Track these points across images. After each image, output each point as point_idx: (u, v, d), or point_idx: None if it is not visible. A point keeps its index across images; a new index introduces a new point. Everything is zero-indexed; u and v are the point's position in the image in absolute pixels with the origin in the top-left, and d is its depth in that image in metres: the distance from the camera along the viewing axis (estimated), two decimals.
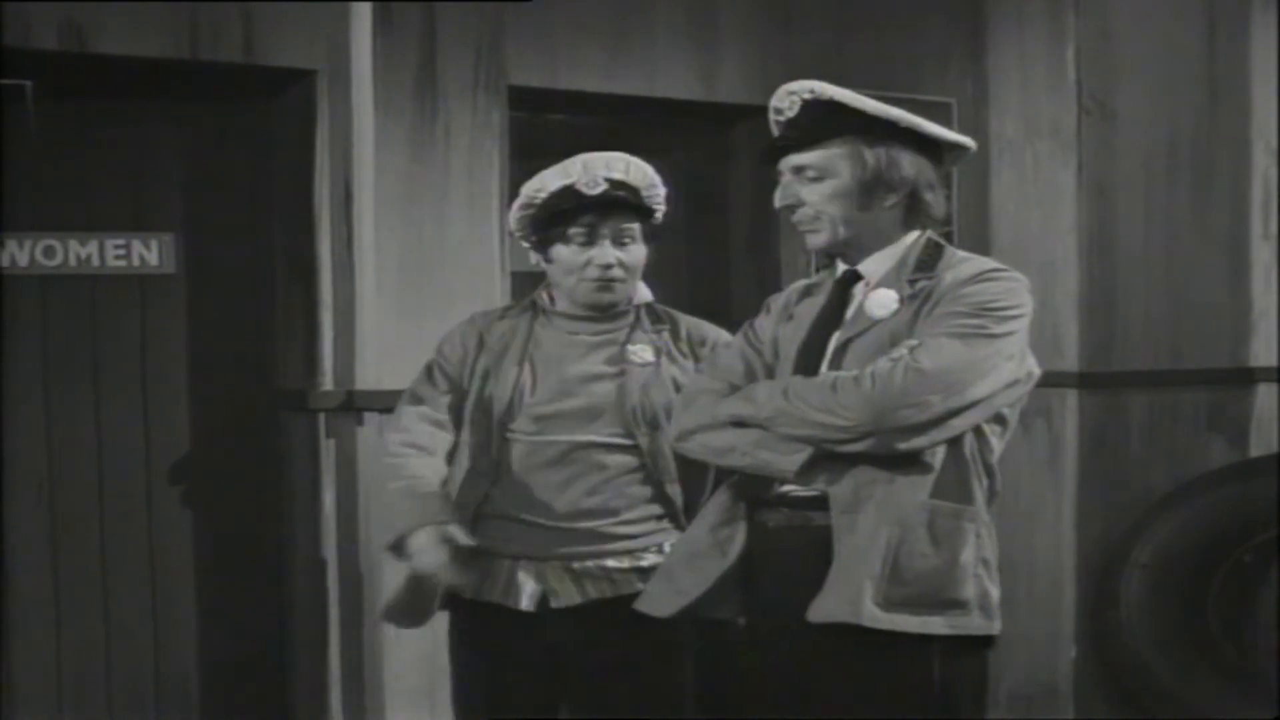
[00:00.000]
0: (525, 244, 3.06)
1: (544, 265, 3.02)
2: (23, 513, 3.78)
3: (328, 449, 3.83)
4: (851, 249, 2.66)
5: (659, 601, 2.72)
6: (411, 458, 2.95)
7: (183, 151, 3.93)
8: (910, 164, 2.61)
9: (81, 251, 3.84)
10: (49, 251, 3.81)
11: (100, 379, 3.87)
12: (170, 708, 3.96)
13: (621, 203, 2.94)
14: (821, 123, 2.60)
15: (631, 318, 3.02)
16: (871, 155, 2.59)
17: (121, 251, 3.87)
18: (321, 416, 3.85)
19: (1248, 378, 4.91)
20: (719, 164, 4.58)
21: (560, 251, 2.95)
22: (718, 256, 4.63)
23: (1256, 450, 4.87)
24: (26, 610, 3.80)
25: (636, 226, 2.97)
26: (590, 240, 2.93)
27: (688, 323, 3.08)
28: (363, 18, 3.81)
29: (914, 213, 2.64)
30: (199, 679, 3.98)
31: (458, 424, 3.00)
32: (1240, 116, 4.91)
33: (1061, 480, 4.77)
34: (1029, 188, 4.84)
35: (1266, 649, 4.28)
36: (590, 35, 4.20)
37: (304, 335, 3.92)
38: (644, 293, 3.06)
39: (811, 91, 2.62)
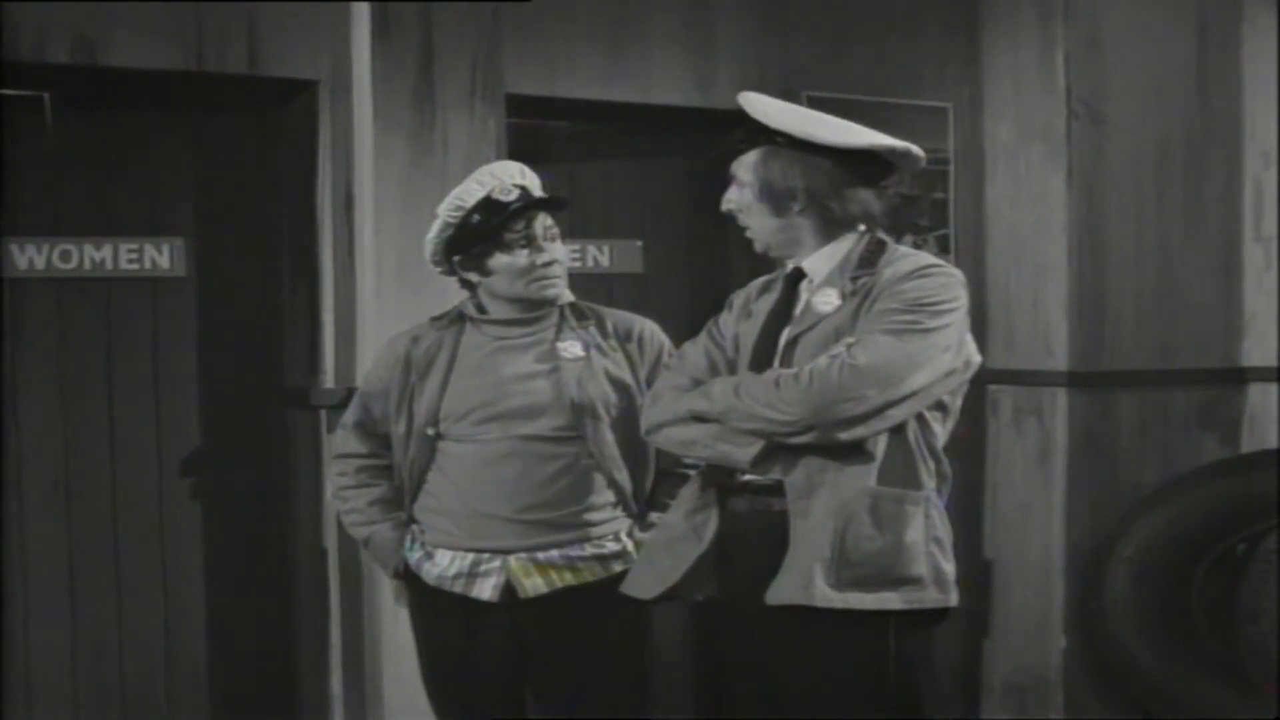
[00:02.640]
0: (441, 268, 3.12)
1: (475, 279, 3.08)
2: (37, 507, 3.85)
3: (329, 444, 3.86)
4: (789, 250, 2.74)
5: (642, 585, 2.82)
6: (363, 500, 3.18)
7: (192, 159, 4.00)
8: (807, 173, 2.65)
9: (96, 255, 3.89)
10: (65, 255, 3.86)
11: (113, 377, 3.94)
12: (181, 693, 4.04)
13: (539, 202, 3.05)
14: (749, 130, 2.70)
15: (556, 317, 3.11)
16: (764, 165, 2.67)
17: (134, 255, 3.93)
18: (323, 413, 3.92)
19: (1239, 377, 4.91)
20: (716, 170, 4.63)
21: (501, 260, 3.03)
22: (715, 261, 4.66)
23: (1248, 449, 4.87)
24: (41, 602, 3.86)
25: (553, 223, 3.08)
26: (529, 242, 3.03)
27: (614, 316, 3.16)
28: (362, 29, 3.86)
29: (830, 218, 2.70)
30: (208, 663, 4.06)
31: (395, 441, 3.13)
32: (1231, 120, 4.90)
33: (1052, 478, 4.76)
34: (1022, 191, 4.85)
35: (1247, 640, 4.30)
36: (587, 43, 4.25)
37: (307, 335, 4.00)
38: (566, 293, 3.15)
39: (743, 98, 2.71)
